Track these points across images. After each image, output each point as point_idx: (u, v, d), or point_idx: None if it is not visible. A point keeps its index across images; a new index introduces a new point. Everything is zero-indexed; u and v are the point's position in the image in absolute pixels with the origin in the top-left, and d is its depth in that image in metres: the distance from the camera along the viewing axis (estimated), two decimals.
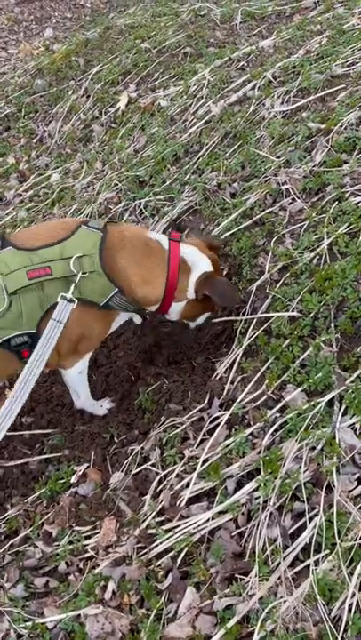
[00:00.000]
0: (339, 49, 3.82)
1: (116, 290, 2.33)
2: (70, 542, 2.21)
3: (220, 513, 2.08)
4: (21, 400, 2.15)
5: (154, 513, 2.19)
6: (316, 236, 2.70)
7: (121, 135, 4.51)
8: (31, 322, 2.26)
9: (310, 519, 1.93)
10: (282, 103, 3.66)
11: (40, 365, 2.20)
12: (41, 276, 2.23)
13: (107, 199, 3.90)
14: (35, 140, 5.25)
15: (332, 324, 2.33)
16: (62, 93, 5.46)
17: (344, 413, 2.11)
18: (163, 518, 2.17)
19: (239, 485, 2.13)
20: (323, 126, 3.22)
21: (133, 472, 2.38)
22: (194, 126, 3.97)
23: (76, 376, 2.57)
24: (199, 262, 2.54)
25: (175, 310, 2.60)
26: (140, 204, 3.67)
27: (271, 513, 2.00)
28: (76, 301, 2.26)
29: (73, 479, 2.44)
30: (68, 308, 2.24)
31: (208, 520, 2.07)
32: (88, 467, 2.47)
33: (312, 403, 2.18)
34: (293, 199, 2.99)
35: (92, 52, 5.67)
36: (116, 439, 2.57)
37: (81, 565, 2.14)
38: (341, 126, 3.12)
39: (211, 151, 3.70)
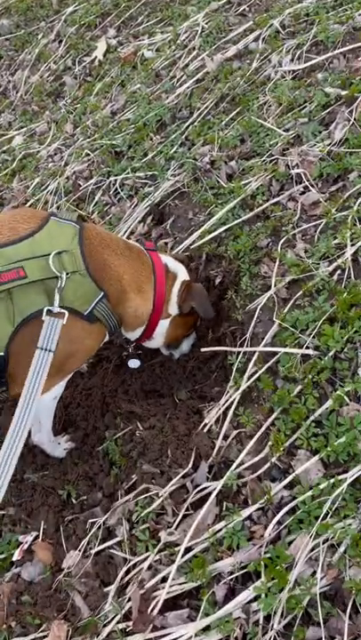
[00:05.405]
0: None
1: (102, 294, 1.84)
2: None
3: (206, 629, 1.55)
4: (16, 451, 1.63)
5: (118, 616, 1.66)
6: (337, 241, 2.11)
7: (96, 92, 3.79)
8: None
9: None
10: (292, 60, 3.00)
11: (31, 409, 1.67)
12: (13, 280, 1.70)
13: (76, 172, 3.23)
14: None
15: (360, 370, 1.77)
16: (31, 37, 4.76)
17: None
18: (129, 624, 1.64)
19: (232, 592, 1.60)
20: (344, 92, 2.59)
21: (94, 551, 1.84)
22: (183, 85, 3.28)
23: (50, 403, 2.05)
24: (178, 270, 2.19)
25: (161, 331, 2.18)
26: (116, 181, 3.01)
27: (275, 638, 1.48)
28: (67, 315, 1.74)
29: (16, 555, 1.89)
30: (56, 328, 1.72)
31: (190, 638, 1.55)
32: (36, 539, 1.92)
33: (332, 480, 1.63)
34: (306, 187, 2.38)
35: None
36: (73, 499, 2.01)
37: None
38: None
39: (203, 118, 3.03)
